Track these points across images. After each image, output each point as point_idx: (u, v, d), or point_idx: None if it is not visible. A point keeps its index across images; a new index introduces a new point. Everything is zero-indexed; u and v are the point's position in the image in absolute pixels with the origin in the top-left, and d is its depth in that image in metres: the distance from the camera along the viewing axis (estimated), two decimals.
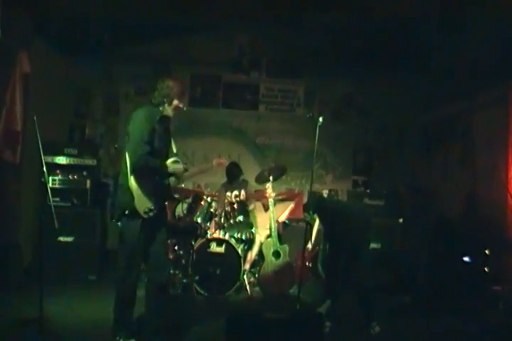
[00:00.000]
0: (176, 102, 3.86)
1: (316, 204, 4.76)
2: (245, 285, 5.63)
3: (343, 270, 4.52)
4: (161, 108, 3.83)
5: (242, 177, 6.37)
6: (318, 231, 5.85)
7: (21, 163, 5.55)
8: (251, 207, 6.23)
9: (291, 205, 7.01)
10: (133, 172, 3.66)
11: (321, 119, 4.59)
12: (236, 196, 6.13)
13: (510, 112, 5.54)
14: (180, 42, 7.53)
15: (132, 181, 3.64)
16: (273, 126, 7.86)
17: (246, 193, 6.16)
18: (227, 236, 5.61)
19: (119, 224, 3.76)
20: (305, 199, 7.61)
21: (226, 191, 6.18)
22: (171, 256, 5.54)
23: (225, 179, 6.49)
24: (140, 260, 3.84)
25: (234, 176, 6.27)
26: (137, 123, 3.73)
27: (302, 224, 5.69)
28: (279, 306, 5.20)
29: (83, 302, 4.97)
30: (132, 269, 3.75)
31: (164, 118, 3.86)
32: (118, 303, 3.79)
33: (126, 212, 3.65)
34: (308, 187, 7.64)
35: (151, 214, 3.63)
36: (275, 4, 6.02)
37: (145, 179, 3.68)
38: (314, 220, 4.83)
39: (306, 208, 4.85)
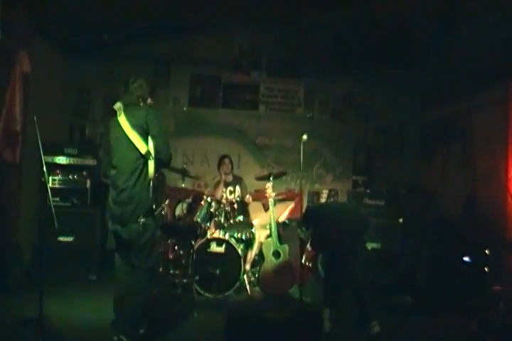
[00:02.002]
0: (149, 100, 4.01)
1: (309, 219, 4.74)
2: (245, 285, 5.63)
3: (342, 273, 4.52)
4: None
5: (235, 172, 6.47)
6: None
7: (21, 163, 5.55)
8: (247, 200, 6.22)
9: (291, 205, 7.02)
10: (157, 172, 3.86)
11: (305, 137, 4.63)
12: (231, 192, 6.20)
13: (510, 112, 5.54)
14: (180, 42, 7.53)
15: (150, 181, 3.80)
16: (273, 126, 7.86)
17: (241, 189, 6.24)
18: (227, 236, 5.61)
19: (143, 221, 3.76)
20: (305, 200, 7.69)
21: (220, 187, 6.26)
22: (170, 256, 5.54)
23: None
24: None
25: (224, 167, 6.35)
26: (161, 123, 3.91)
27: None
28: (279, 306, 5.19)
29: (83, 302, 4.97)
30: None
31: None
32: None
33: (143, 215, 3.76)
34: (308, 187, 7.76)
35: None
36: (275, 4, 6.02)
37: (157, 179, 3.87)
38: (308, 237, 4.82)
39: (300, 223, 4.82)
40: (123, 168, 3.81)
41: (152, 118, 3.82)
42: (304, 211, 4.89)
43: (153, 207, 3.95)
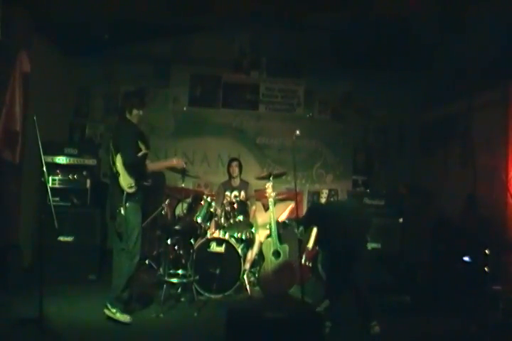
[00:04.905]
0: (135, 111, 4.56)
1: (312, 218, 4.73)
2: (245, 285, 5.62)
3: (343, 271, 4.52)
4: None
5: (241, 176, 6.40)
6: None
7: (21, 163, 5.55)
8: (252, 208, 6.22)
9: (291, 205, 7.01)
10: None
11: (297, 132, 4.66)
12: (236, 196, 6.18)
13: (510, 112, 5.54)
14: (181, 42, 7.53)
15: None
16: (273, 126, 7.86)
17: (246, 195, 6.21)
18: (227, 236, 5.61)
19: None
20: (304, 201, 7.70)
21: (225, 190, 6.23)
22: (170, 256, 5.54)
23: (224, 178, 6.52)
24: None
25: (231, 169, 6.33)
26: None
27: None
28: (279, 306, 5.19)
29: (83, 302, 4.97)
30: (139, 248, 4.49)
31: None
32: (126, 279, 4.39)
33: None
34: (308, 187, 7.77)
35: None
36: (275, 4, 6.02)
37: None
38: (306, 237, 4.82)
39: (300, 222, 4.78)
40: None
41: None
42: (307, 210, 4.87)
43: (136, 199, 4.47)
